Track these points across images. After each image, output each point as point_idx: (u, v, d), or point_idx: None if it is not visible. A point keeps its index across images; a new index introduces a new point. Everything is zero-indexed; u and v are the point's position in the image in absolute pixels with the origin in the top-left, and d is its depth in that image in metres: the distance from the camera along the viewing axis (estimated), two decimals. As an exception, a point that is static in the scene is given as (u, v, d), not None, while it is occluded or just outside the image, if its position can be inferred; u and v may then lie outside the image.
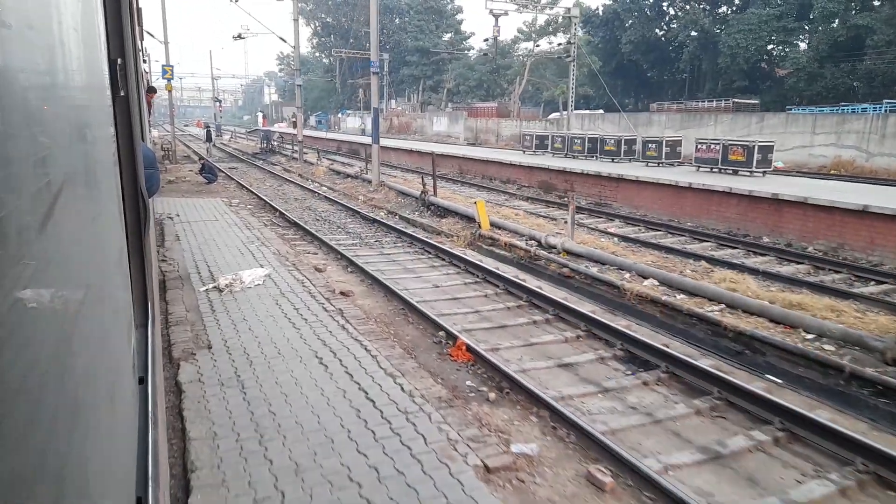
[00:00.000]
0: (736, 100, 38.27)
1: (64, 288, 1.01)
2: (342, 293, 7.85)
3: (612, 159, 22.04)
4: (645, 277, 9.36)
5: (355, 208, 16.07)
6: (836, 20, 37.59)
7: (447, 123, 49.57)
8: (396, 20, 69.64)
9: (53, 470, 0.84)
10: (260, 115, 78.84)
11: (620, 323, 7.18)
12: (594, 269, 9.97)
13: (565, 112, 39.27)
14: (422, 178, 16.59)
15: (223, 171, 23.81)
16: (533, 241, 11.80)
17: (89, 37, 1.71)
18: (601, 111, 43.30)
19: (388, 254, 11.27)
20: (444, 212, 15.32)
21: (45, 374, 0.86)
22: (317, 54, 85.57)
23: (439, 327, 6.93)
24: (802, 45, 41.92)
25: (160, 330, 5.22)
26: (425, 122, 53.26)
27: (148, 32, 23.84)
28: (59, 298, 0.98)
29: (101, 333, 1.36)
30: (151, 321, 2.59)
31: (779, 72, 43.97)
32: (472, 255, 10.76)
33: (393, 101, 67.93)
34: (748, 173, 16.83)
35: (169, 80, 27.33)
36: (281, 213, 14.94)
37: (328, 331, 6.23)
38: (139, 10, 6.73)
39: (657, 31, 51.04)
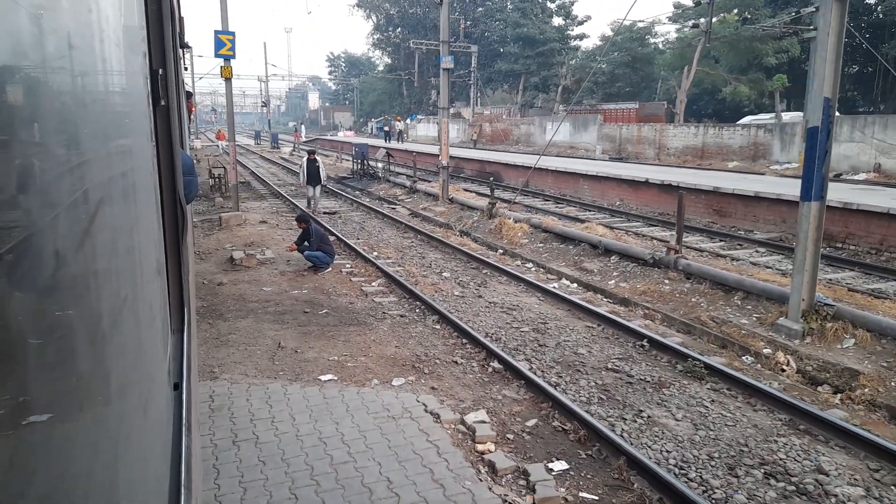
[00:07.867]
0: None
1: (102, 293, 1.02)
2: None
3: None
4: None
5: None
6: None
7: (569, 131, 38.39)
8: (480, 9, 59.80)
9: (85, 474, 0.85)
10: (302, 126, 63.87)
11: None
12: None
13: (790, 115, 27.08)
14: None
15: (327, 228, 13.52)
16: None
17: (132, 48, 1.75)
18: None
19: None
20: None
21: (80, 379, 0.87)
22: (373, 54, 77.74)
23: None
24: None
25: (196, 335, 5.28)
26: (533, 128, 41.97)
27: None
28: (97, 303, 0.99)
29: (137, 339, 1.38)
30: (187, 327, 2.63)
31: None
32: None
33: (486, 105, 56.64)
34: None
35: (228, 59, 15.75)
36: None
37: None
38: (181, 19, 6.91)
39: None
